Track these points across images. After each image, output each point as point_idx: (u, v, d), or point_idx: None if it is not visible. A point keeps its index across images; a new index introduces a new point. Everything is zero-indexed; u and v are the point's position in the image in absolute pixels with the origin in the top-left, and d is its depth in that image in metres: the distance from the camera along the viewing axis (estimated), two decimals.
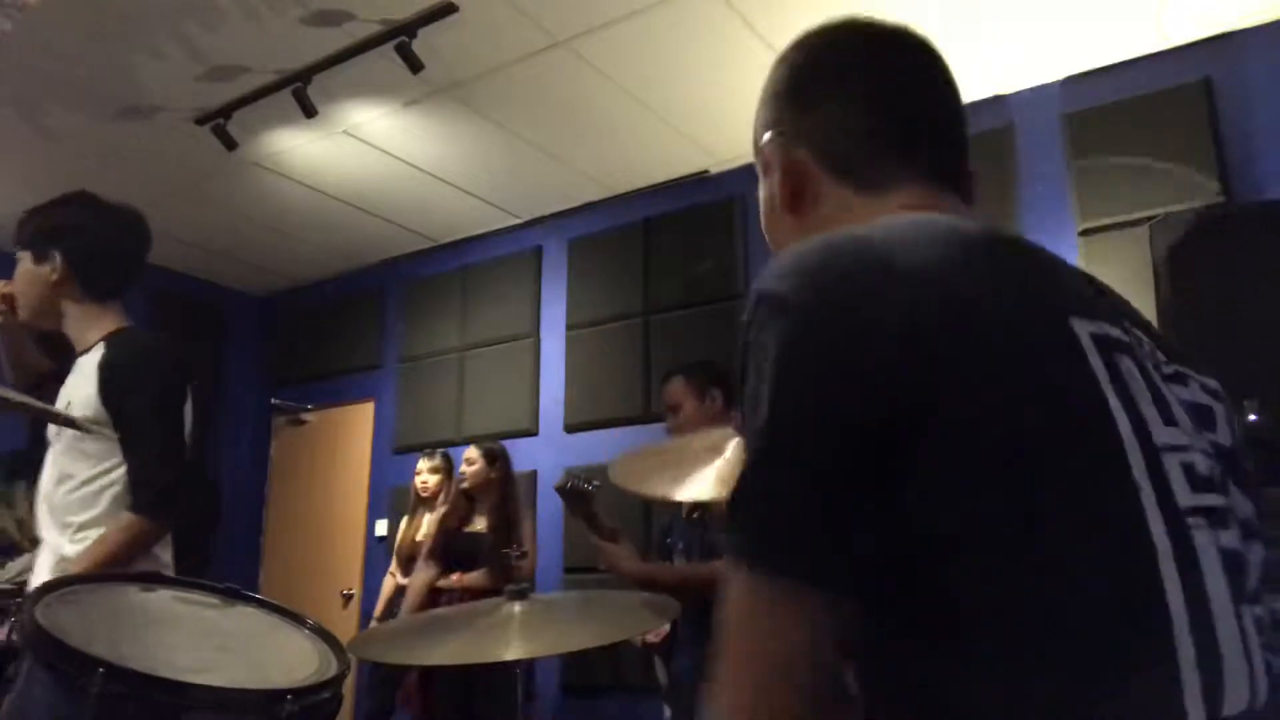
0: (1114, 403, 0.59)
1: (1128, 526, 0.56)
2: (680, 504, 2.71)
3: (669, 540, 2.78)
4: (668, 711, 2.84)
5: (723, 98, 3.88)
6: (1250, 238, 2.76)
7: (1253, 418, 2.35)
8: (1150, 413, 0.60)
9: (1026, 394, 0.57)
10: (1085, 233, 3.54)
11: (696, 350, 4.35)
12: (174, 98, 3.87)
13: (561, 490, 2.54)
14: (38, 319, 2.12)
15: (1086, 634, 0.54)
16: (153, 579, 1.73)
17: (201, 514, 3.95)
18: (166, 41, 3.50)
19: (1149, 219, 3.11)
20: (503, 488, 3.92)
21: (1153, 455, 0.58)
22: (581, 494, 2.50)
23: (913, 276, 0.59)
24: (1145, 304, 2.77)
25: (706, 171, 4.53)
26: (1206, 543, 0.58)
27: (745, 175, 4.47)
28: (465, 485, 3.90)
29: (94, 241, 2.08)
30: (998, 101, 3.84)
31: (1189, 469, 0.60)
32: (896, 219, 0.68)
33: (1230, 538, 0.60)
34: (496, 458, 3.96)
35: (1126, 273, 3.21)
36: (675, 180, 4.60)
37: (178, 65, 3.64)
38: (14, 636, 1.54)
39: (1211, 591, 0.57)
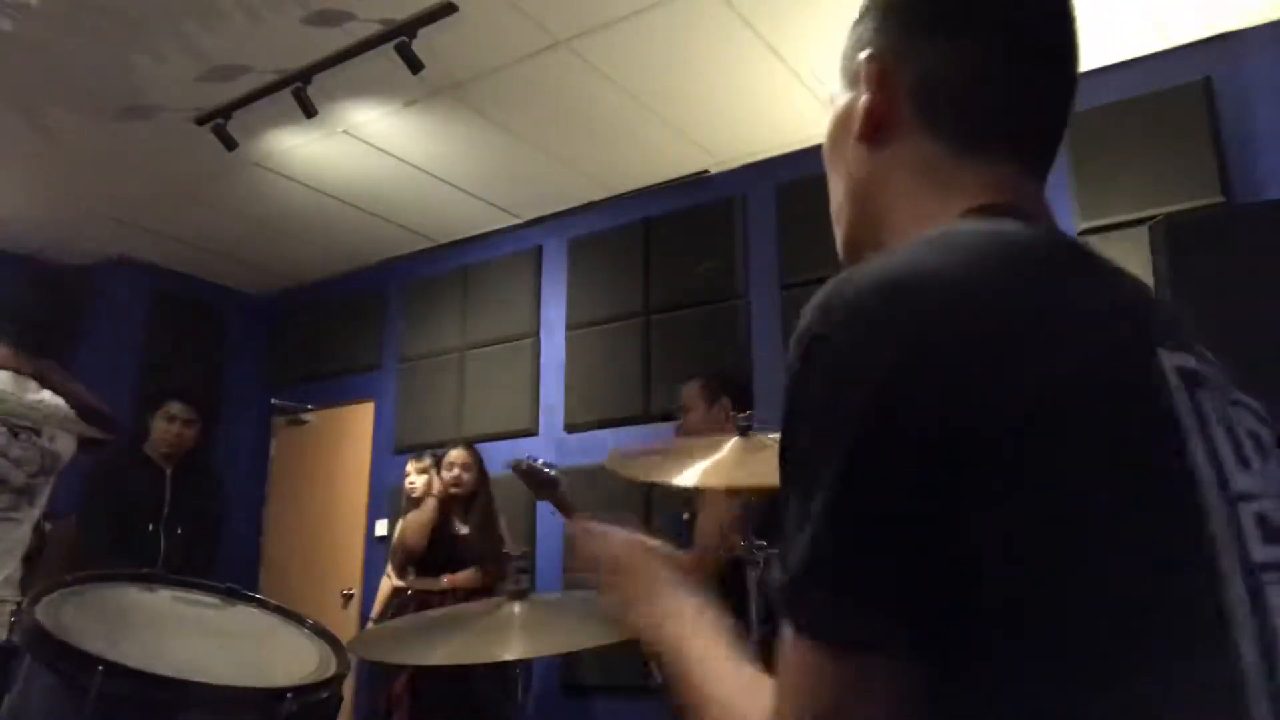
0: (1195, 448, 0.56)
1: (1204, 588, 0.54)
2: (676, 501, 2.79)
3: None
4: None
5: (723, 98, 3.88)
6: (1250, 238, 2.75)
7: None
8: (1228, 456, 0.58)
9: (1106, 446, 0.54)
10: (1085, 233, 3.53)
11: (696, 350, 4.36)
12: (174, 98, 3.87)
13: (518, 469, 2.61)
14: None
15: (1161, 699, 0.52)
16: (153, 579, 1.74)
17: (208, 513, 3.95)
18: (166, 41, 3.50)
19: (1149, 219, 3.10)
20: (486, 488, 3.94)
21: (1231, 507, 0.56)
22: (537, 476, 2.58)
23: (986, 312, 0.55)
24: None
25: (706, 171, 4.53)
26: (1279, 602, 0.56)
27: (745, 175, 4.47)
28: (457, 490, 3.88)
29: None
30: None
31: (1262, 520, 0.58)
32: (962, 237, 0.63)
33: None
34: (479, 458, 3.98)
35: None
36: (675, 180, 4.59)
37: (178, 65, 3.64)
38: (14, 636, 1.54)
39: None
